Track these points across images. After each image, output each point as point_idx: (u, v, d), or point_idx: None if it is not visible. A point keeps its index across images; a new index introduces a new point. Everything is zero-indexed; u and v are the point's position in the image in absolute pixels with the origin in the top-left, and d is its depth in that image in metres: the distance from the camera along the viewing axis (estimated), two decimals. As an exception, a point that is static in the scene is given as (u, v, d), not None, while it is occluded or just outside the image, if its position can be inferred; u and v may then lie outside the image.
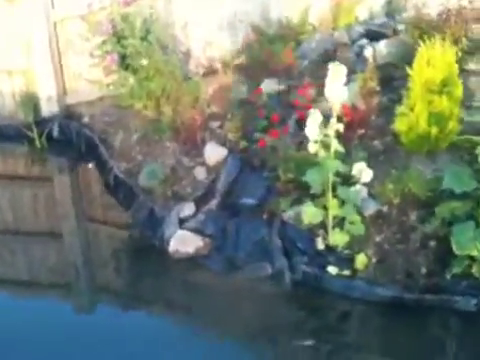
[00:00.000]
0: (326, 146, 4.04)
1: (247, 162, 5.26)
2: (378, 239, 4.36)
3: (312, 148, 4.02)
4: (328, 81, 3.89)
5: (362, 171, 4.02)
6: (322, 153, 3.98)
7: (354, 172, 4.07)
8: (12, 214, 5.81)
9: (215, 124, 5.50)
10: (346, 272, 4.21)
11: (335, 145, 3.94)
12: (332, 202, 4.10)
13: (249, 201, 5.06)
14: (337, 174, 4.12)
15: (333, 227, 4.19)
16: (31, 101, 7.15)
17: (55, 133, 6.96)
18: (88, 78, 6.26)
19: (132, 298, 4.41)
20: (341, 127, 3.96)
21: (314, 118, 3.91)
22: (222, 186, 5.08)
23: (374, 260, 4.27)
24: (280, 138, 5.06)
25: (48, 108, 7.05)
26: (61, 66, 7.03)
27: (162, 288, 4.45)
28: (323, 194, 4.27)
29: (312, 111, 3.98)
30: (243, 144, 5.35)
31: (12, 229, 5.59)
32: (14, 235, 5.42)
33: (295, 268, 4.32)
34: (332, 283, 4.18)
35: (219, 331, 4.01)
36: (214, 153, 5.26)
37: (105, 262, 4.86)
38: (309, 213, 4.11)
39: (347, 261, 4.26)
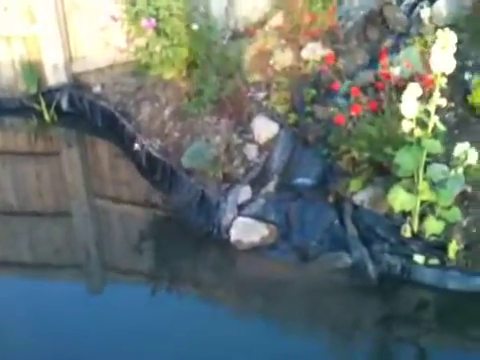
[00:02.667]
0: (422, 124, 3.59)
1: (299, 138, 4.81)
2: (464, 223, 4.00)
3: (407, 126, 3.56)
4: (434, 49, 3.39)
5: (466, 152, 3.59)
6: (418, 132, 3.53)
7: (456, 153, 3.65)
8: (36, 193, 5.23)
9: (260, 95, 4.96)
10: (434, 261, 3.84)
11: (435, 123, 3.50)
12: (423, 186, 3.68)
13: (305, 181, 4.59)
14: (429, 155, 3.70)
15: (425, 214, 3.78)
16: (34, 70, 6.42)
17: (64, 105, 6.25)
18: (115, 44, 5.46)
19: (203, 296, 3.95)
20: (444, 102, 3.51)
21: (412, 92, 3.44)
22: (276, 166, 4.61)
23: (461, 246, 3.92)
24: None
25: (54, 77, 6.32)
26: (66, 31, 6.36)
27: (234, 283, 4.00)
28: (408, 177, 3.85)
29: (411, 84, 3.50)
30: (293, 118, 4.86)
31: (38, 209, 5.05)
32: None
33: (377, 258, 3.93)
34: (423, 274, 3.78)
35: (304, 328, 3.61)
36: (264, 129, 4.74)
37: (160, 251, 4.35)
38: (401, 199, 3.67)
39: (434, 249, 3.88)
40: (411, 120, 3.54)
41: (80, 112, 6.14)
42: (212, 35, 5.14)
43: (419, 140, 3.58)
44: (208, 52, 5.01)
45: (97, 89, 6.27)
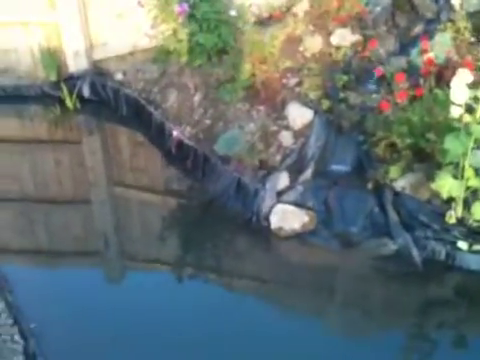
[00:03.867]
0: (470, 109, 3.54)
1: (333, 124, 4.74)
2: (508, 209, 3.96)
3: (456, 112, 3.51)
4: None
5: (517, 138, 3.56)
6: (467, 117, 3.48)
7: (508, 138, 3.61)
8: (65, 182, 5.15)
9: (292, 81, 4.88)
10: (478, 247, 3.80)
11: (485, 109, 3.45)
12: (469, 172, 3.64)
13: (341, 168, 4.53)
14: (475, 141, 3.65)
15: (467, 200, 3.74)
16: (53, 57, 6.28)
17: (86, 92, 6.14)
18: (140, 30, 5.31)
19: (246, 285, 3.88)
20: (494, 88, 3.46)
21: (462, 78, 3.38)
22: (312, 152, 4.54)
23: (504, 231, 3.89)
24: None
25: (75, 65, 6.19)
26: (86, 17, 6.22)
27: (278, 271, 3.91)
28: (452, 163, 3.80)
29: (461, 70, 3.44)
30: (326, 104, 4.79)
31: (69, 198, 4.93)
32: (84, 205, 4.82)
33: (421, 244, 3.89)
34: (468, 260, 3.75)
35: (354, 316, 3.55)
36: (299, 115, 4.65)
37: (198, 239, 4.24)
38: (449, 185, 3.63)
39: (478, 235, 3.85)
40: (460, 106, 3.49)
41: (103, 99, 6.04)
42: (240, 21, 5.06)
43: (467, 126, 3.54)
44: (238, 38, 4.93)
45: (119, 76, 6.16)
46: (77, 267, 4.23)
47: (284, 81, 4.85)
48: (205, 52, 4.98)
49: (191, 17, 4.84)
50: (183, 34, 4.81)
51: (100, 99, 6.04)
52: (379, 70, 4.47)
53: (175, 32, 4.97)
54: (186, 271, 4.09)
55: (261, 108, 4.70)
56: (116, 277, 4.14)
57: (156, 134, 5.35)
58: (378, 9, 5.41)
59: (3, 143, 5.66)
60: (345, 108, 4.69)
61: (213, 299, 3.70)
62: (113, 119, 5.88)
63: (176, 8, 4.69)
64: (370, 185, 4.27)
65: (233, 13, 4.85)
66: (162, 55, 6.12)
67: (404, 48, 5.12)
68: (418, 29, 5.11)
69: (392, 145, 4.33)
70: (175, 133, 4.77)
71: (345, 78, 4.89)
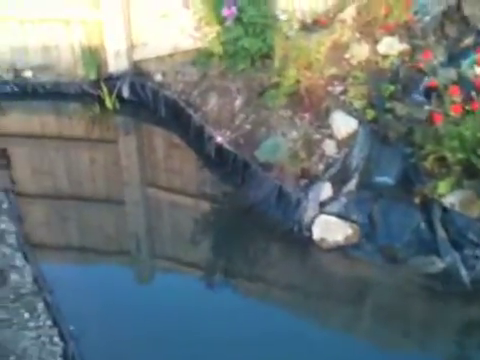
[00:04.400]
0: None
1: (378, 135, 4.61)
2: None
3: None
4: None
5: None
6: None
7: None
8: (104, 181, 5.10)
9: (337, 89, 4.76)
10: None
11: None
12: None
13: (385, 180, 4.40)
14: None
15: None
16: (94, 56, 6.27)
17: (125, 93, 6.07)
18: (190, 33, 5.22)
19: (287, 296, 3.77)
20: None
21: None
22: (356, 163, 4.41)
23: None
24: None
25: (116, 64, 6.13)
26: (129, 16, 6.17)
27: (320, 283, 3.81)
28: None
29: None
30: (371, 114, 4.66)
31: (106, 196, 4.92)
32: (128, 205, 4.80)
33: (469, 263, 3.74)
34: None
35: (399, 335, 3.42)
36: (343, 124, 4.52)
37: (239, 246, 4.17)
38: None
39: None
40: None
41: (142, 100, 5.96)
42: (285, 26, 4.96)
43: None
44: (283, 43, 4.83)
45: (158, 77, 6.10)
46: (112, 266, 4.18)
47: (329, 89, 4.74)
48: (249, 56, 4.89)
49: (237, 20, 4.76)
50: (228, 37, 4.72)
51: (139, 100, 5.97)
52: (433, 82, 4.33)
53: (219, 35, 4.89)
54: (222, 277, 4.01)
55: (304, 115, 4.60)
56: (152, 278, 4.09)
57: (194, 137, 5.26)
58: (427, 18, 5.26)
59: (43, 140, 5.65)
60: (391, 119, 4.58)
61: (249, 308, 3.64)
62: (151, 120, 5.80)
63: (224, 11, 4.60)
64: (417, 200, 4.13)
65: (282, 17, 4.75)
66: (203, 58, 6.06)
67: (453, 59, 4.98)
68: (469, 40, 4.96)
69: (441, 159, 4.19)
70: (219, 138, 4.66)
71: (392, 88, 4.75)
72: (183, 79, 5.98)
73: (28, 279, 3.49)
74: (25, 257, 3.68)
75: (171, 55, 6.35)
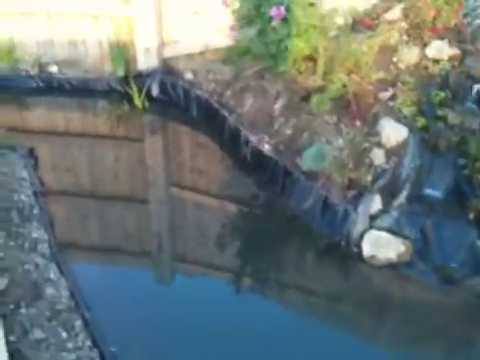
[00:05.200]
0: None
1: (428, 144, 4.35)
2: None
3: None
4: None
5: None
6: None
7: None
8: (133, 182, 4.83)
9: (385, 95, 4.50)
10: None
11: None
12: None
13: (434, 193, 4.13)
14: None
15: None
16: (122, 52, 6.02)
17: (155, 91, 5.84)
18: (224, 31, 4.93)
19: (339, 311, 3.51)
20: None
21: None
22: (407, 174, 4.15)
23: None
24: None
25: (145, 62, 5.90)
26: (160, 13, 5.92)
27: (372, 303, 3.54)
28: None
29: None
30: (421, 121, 4.40)
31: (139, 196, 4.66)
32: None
33: None
34: None
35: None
36: (393, 132, 4.27)
37: (284, 256, 3.89)
38: None
39: None
40: None
41: (172, 99, 5.73)
42: (329, 27, 4.70)
43: None
44: (328, 45, 4.57)
45: (189, 76, 5.85)
46: (148, 274, 3.97)
47: (377, 94, 4.49)
48: (291, 57, 4.64)
49: (282, 20, 4.49)
50: (274, 38, 4.46)
51: (169, 99, 5.74)
52: None
53: (262, 34, 4.63)
54: (268, 291, 3.77)
55: (351, 122, 4.34)
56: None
57: (229, 140, 5.02)
58: (477, 22, 5.00)
59: (69, 137, 5.40)
60: (443, 127, 4.32)
61: (294, 324, 3.39)
62: (183, 121, 5.57)
63: (272, 10, 4.34)
64: (471, 215, 3.89)
65: (340, 21, 4.47)
66: (235, 56, 5.86)
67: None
68: (523, 47, 4.71)
69: (497, 172, 3.95)
70: (266, 146, 4.37)
71: (442, 94, 4.49)
72: (215, 78, 5.73)
73: (64, 293, 3.25)
74: (59, 269, 3.46)
75: (201, 53, 6.14)
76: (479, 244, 3.74)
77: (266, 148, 4.37)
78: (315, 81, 4.42)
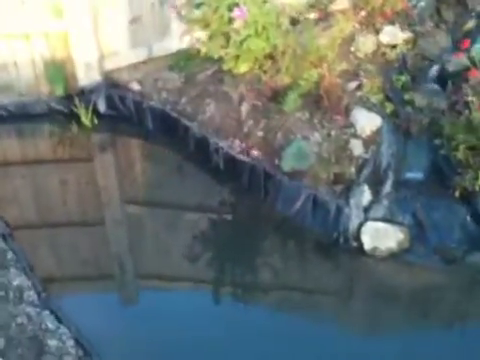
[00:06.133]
0: None
1: (400, 129, 4.40)
2: None
3: None
4: None
5: None
6: None
7: None
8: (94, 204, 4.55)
9: (352, 86, 4.50)
10: None
11: None
12: None
13: (416, 176, 4.22)
14: None
15: None
16: (59, 70, 5.66)
17: (102, 107, 5.53)
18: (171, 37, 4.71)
19: (354, 316, 3.46)
20: None
21: None
22: (387, 161, 4.18)
23: None
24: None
25: (87, 77, 5.56)
26: (97, 25, 5.60)
27: (390, 296, 3.51)
28: None
29: None
30: (389, 107, 4.44)
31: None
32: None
33: None
34: None
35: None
36: (367, 122, 4.28)
37: (286, 263, 3.83)
38: None
39: None
40: None
41: (122, 114, 5.44)
42: (284, 23, 4.63)
43: None
44: (288, 42, 4.51)
45: (135, 87, 5.60)
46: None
47: (343, 86, 4.49)
48: (252, 58, 4.54)
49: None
50: (236, 39, 4.32)
51: (119, 113, 5.45)
52: (474, 72, 4.16)
53: (218, 37, 4.48)
54: (276, 297, 3.68)
55: (324, 116, 4.32)
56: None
57: (195, 150, 4.85)
58: (422, 4, 5.13)
59: (19, 167, 5.05)
60: (412, 111, 4.40)
61: (315, 329, 3.34)
62: (138, 135, 5.31)
63: (235, 12, 4.20)
64: (457, 193, 3.98)
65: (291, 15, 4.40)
66: (182, 61, 5.68)
67: (455, 45, 4.88)
68: (471, 24, 4.86)
69: (473, 148, 4.07)
70: (254, 151, 4.20)
71: (403, 78, 4.58)
72: (164, 86, 5.50)
73: (69, 343, 3.00)
74: (56, 316, 3.17)
75: (145, 62, 5.91)
76: (469, 220, 3.86)
77: (254, 154, 4.24)
78: (282, 80, 4.36)
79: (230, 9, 4.31)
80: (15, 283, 3.44)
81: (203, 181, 4.75)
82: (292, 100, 4.26)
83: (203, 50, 4.55)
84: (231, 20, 4.28)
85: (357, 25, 4.89)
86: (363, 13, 4.79)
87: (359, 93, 4.47)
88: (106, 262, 4.02)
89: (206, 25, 4.46)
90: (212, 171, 4.69)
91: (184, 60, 5.71)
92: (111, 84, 5.67)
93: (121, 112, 5.50)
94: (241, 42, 4.33)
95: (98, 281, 3.97)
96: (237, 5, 4.28)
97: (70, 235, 4.28)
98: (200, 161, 4.81)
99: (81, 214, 4.56)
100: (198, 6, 4.42)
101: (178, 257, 4.04)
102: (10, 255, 3.67)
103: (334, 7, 5.19)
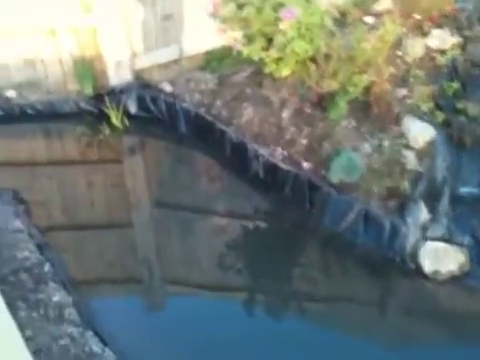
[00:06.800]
0: None
1: (452, 139, 4.07)
2: None
3: None
4: None
5: None
6: None
7: None
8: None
9: (400, 92, 4.17)
10: None
11: None
12: None
13: (472, 191, 3.89)
14: None
15: None
16: (88, 68, 5.32)
17: (133, 108, 5.21)
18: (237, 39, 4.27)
19: (418, 342, 3.11)
20: None
21: None
22: (442, 175, 3.85)
23: None
24: None
25: (117, 75, 5.23)
26: (128, 21, 5.23)
27: (458, 325, 3.18)
28: None
29: None
30: (440, 116, 4.11)
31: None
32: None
33: None
34: None
35: None
36: (419, 132, 3.94)
37: (340, 283, 3.49)
38: None
39: None
40: None
41: (154, 115, 5.12)
42: (329, 25, 4.29)
43: None
44: (333, 44, 4.17)
45: (167, 87, 5.29)
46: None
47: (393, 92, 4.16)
48: (294, 61, 4.21)
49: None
50: (282, 41, 3.99)
51: (150, 115, 5.12)
52: None
53: (261, 38, 4.15)
54: (325, 320, 3.33)
55: (374, 125, 3.99)
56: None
57: (232, 155, 4.54)
58: (469, 7, 4.78)
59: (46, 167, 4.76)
60: (465, 121, 4.07)
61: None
62: (170, 138, 4.97)
63: (284, 13, 3.87)
64: (518, 211, 3.68)
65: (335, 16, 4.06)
66: (214, 62, 5.35)
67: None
68: (524, 27, 4.53)
69: None
70: (304, 163, 3.86)
71: (455, 86, 4.24)
72: (197, 88, 5.20)
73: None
74: (100, 338, 2.89)
75: (176, 61, 5.58)
76: None
77: (305, 166, 3.92)
78: (330, 85, 4.03)
79: (275, 9, 3.99)
80: (55, 299, 3.14)
81: (240, 188, 4.43)
82: (340, 107, 3.95)
83: (244, 51, 4.22)
84: (275, 21, 3.95)
85: (404, 29, 4.57)
86: (414, 16, 4.44)
87: (408, 100, 4.16)
88: (133, 266, 3.74)
89: (247, 25, 4.13)
90: (250, 178, 4.36)
91: (217, 60, 5.40)
92: (142, 84, 5.36)
93: (152, 113, 5.18)
94: (285, 44, 4.00)
95: (132, 291, 3.68)
96: (282, 5, 3.96)
97: (99, 238, 3.98)
98: (237, 167, 4.48)
99: (116, 217, 4.29)
100: (241, 6, 4.08)
101: (209, 264, 3.76)
102: (47, 267, 3.37)
103: (377, 7, 4.86)
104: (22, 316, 2.93)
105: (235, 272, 3.75)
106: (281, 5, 3.96)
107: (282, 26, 3.84)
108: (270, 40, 4.18)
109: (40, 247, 3.53)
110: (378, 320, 3.30)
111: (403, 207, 3.61)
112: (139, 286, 3.72)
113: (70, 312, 3.06)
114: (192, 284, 3.66)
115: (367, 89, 3.95)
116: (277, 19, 3.91)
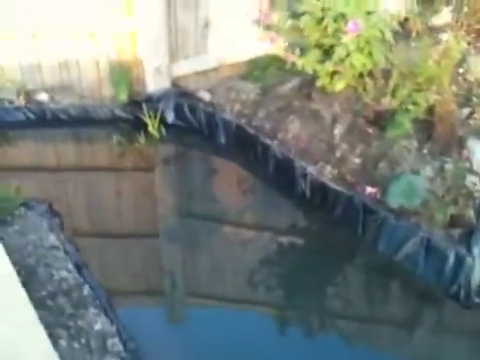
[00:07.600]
0: None
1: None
2: None
3: None
4: None
5: None
6: None
7: None
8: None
9: (464, 112, 3.85)
10: None
11: None
12: None
13: None
14: None
15: None
16: (125, 73, 5.03)
17: (170, 117, 4.93)
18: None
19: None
20: None
21: None
22: (508, 203, 3.54)
23: None
24: None
25: (155, 82, 4.95)
26: (169, 27, 4.93)
27: None
28: None
29: None
30: (506, 140, 3.79)
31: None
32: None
33: None
34: None
35: None
36: (485, 155, 3.67)
37: (398, 317, 3.16)
38: None
39: None
40: None
41: (192, 125, 4.83)
42: (389, 38, 3.97)
43: None
44: (394, 59, 3.86)
45: (205, 96, 4.99)
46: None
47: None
48: (350, 75, 3.90)
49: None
50: (342, 53, 3.69)
51: (188, 125, 4.83)
52: None
53: (313, 49, 3.85)
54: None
55: (435, 146, 3.67)
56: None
57: (276, 171, 4.23)
58: None
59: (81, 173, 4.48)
60: None
61: None
62: (208, 149, 4.68)
63: (349, 26, 3.55)
64: None
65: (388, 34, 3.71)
66: (257, 71, 5.04)
67: None
68: None
69: None
70: (369, 188, 3.47)
71: (524, 108, 3.92)
72: (238, 98, 4.88)
73: None
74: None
75: (215, 69, 5.28)
76: None
77: (369, 191, 3.60)
78: (390, 102, 3.71)
79: (336, 21, 3.68)
80: (96, 328, 2.84)
81: (285, 206, 4.13)
82: (403, 126, 3.63)
83: (299, 63, 3.91)
84: (336, 33, 3.64)
85: (464, 43, 4.25)
86: (464, 30, 4.12)
87: (471, 121, 3.84)
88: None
89: (302, 35, 3.82)
90: (295, 196, 4.05)
91: (260, 70, 5.09)
92: (179, 92, 5.07)
93: (190, 123, 4.89)
94: (343, 58, 3.70)
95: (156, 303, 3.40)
96: (343, 16, 3.65)
97: (127, 247, 3.71)
98: (281, 185, 4.16)
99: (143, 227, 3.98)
100: (298, 16, 3.78)
101: (239, 280, 3.46)
102: (87, 290, 3.07)
103: (436, 21, 4.54)
104: (63, 347, 2.64)
105: (269, 288, 3.45)
106: (343, 16, 3.66)
107: (345, 39, 3.53)
108: (326, 52, 3.90)
109: (78, 266, 3.23)
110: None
111: (468, 237, 3.30)
112: (163, 298, 3.45)
113: (114, 342, 2.75)
114: (222, 299, 3.38)
115: (430, 108, 3.64)
116: (337, 31, 3.61)
